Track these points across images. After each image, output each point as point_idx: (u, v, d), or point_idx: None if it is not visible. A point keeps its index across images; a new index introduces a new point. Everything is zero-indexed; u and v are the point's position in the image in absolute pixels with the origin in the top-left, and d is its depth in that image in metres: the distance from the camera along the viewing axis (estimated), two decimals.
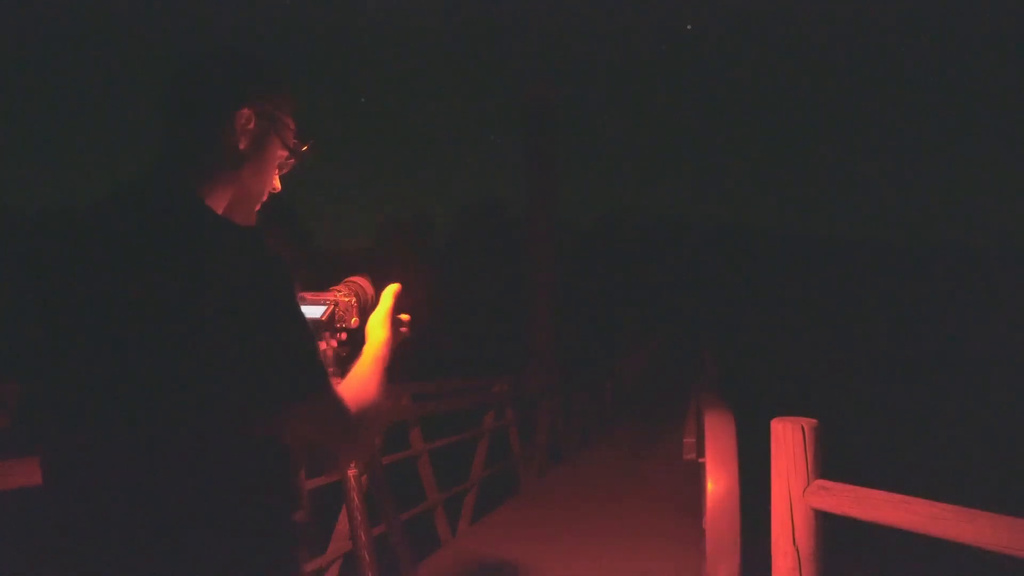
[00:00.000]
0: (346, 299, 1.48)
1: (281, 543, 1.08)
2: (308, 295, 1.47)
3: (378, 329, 1.37)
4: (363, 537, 1.55)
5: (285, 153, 1.24)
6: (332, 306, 1.46)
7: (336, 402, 1.11)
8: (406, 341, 1.44)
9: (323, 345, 1.44)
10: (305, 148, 1.27)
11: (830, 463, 2.09)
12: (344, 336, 1.48)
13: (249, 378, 1.00)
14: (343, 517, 3.65)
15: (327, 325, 1.45)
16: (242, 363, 1.00)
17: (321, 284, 1.52)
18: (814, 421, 2.11)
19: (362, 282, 1.53)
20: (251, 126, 1.16)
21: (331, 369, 1.36)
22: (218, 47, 1.20)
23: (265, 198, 1.26)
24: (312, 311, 1.43)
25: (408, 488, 5.21)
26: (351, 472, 1.60)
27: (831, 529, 2.07)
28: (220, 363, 0.99)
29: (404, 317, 1.43)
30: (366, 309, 1.49)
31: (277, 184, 1.27)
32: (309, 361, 1.06)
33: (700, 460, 4.13)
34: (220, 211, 1.13)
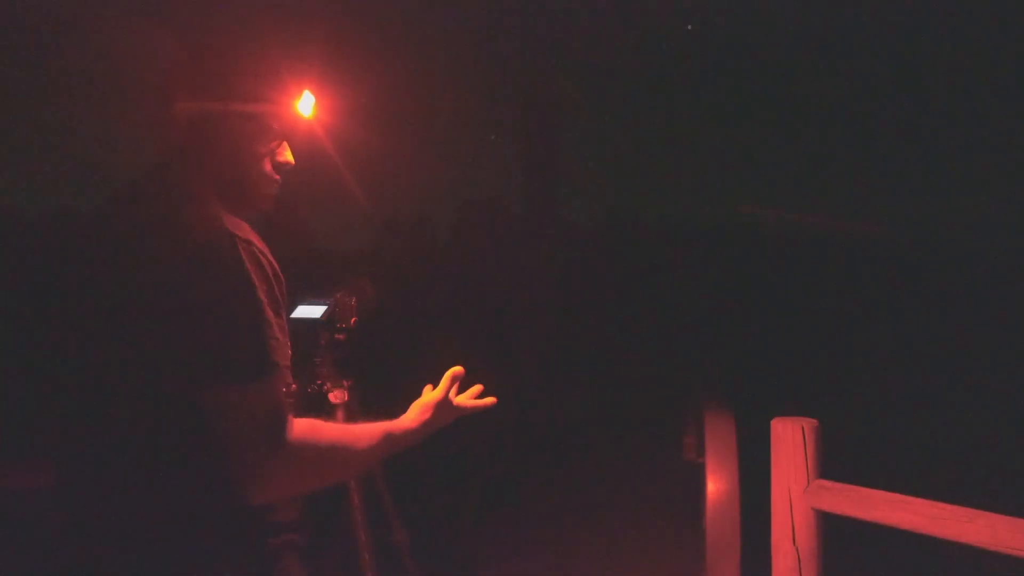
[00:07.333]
0: (345, 300, 1.49)
1: (250, 546, 1.06)
2: (309, 296, 1.48)
3: (422, 412, 1.35)
4: (363, 537, 1.55)
5: (264, 134, 1.20)
6: (331, 306, 1.47)
7: (274, 401, 1.01)
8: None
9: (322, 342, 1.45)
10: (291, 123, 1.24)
11: (830, 463, 2.09)
12: (343, 337, 1.48)
13: (190, 358, 0.97)
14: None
15: (326, 325, 1.46)
16: (185, 345, 0.98)
17: (322, 285, 1.52)
18: (814, 421, 2.11)
19: (362, 284, 1.54)
20: (187, 118, 1.14)
21: (326, 370, 1.36)
22: (163, 36, 1.19)
23: (270, 181, 1.22)
24: (311, 311, 1.43)
25: (408, 488, 5.20)
26: None
27: (831, 529, 2.07)
28: (167, 348, 0.98)
29: (466, 403, 1.39)
30: (365, 310, 1.49)
31: (288, 158, 1.23)
32: (253, 346, 0.99)
33: (700, 460, 4.13)
34: (213, 200, 1.11)
